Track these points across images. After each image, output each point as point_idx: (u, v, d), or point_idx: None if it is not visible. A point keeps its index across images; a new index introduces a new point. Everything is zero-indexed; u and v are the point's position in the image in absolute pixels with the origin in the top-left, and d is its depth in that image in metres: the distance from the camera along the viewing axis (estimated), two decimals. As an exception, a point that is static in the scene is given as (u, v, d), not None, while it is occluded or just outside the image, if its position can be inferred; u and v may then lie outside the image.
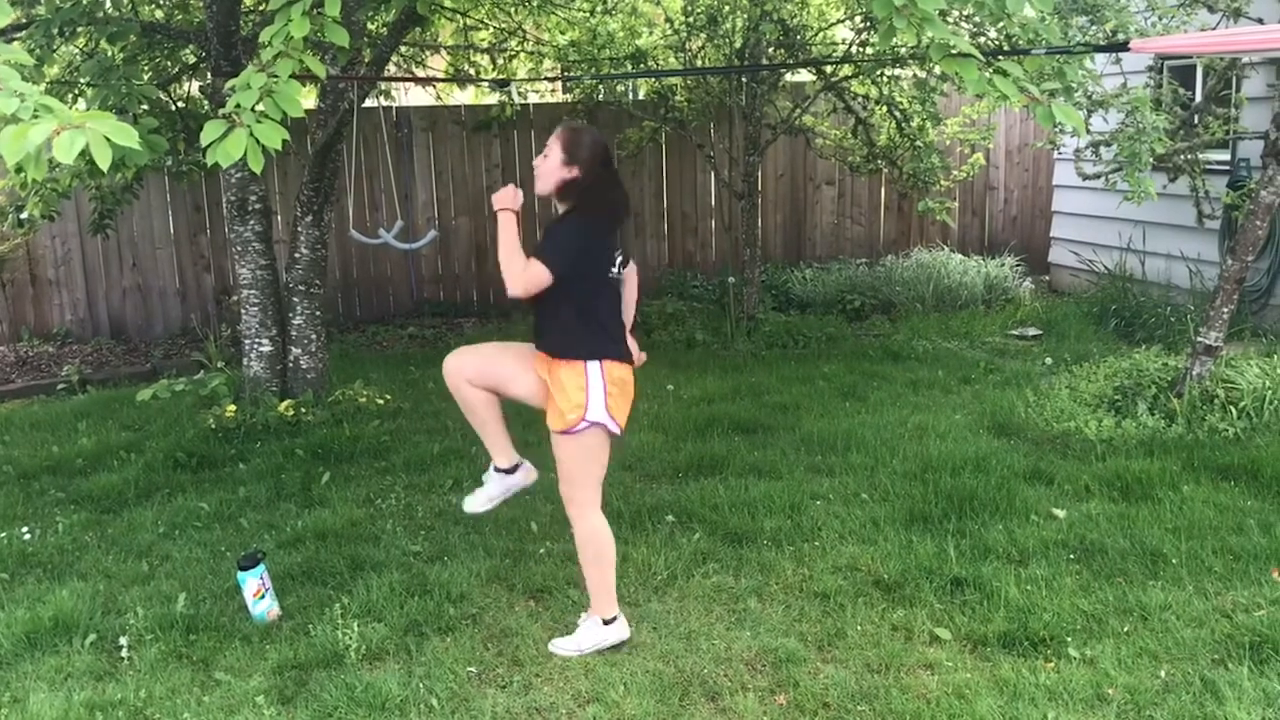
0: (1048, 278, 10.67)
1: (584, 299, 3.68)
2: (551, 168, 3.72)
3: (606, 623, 3.84)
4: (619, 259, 3.79)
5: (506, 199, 3.75)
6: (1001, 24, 4.55)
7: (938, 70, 7.29)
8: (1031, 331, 8.57)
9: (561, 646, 3.85)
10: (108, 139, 2.77)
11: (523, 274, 3.61)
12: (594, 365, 3.66)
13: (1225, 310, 5.93)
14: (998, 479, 5.15)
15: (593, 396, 3.65)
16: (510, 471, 4.00)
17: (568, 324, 3.68)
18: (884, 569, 4.33)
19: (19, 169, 3.02)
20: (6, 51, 2.99)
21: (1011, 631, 3.79)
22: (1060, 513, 4.81)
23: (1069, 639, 3.74)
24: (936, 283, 9.59)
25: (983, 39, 6.58)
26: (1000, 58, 4.02)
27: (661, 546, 4.59)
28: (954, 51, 3.61)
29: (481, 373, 3.85)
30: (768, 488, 5.21)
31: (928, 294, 9.49)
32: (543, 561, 4.52)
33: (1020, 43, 4.65)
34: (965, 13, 6.31)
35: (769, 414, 6.51)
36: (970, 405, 6.53)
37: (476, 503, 4.06)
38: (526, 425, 4.37)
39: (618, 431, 3.74)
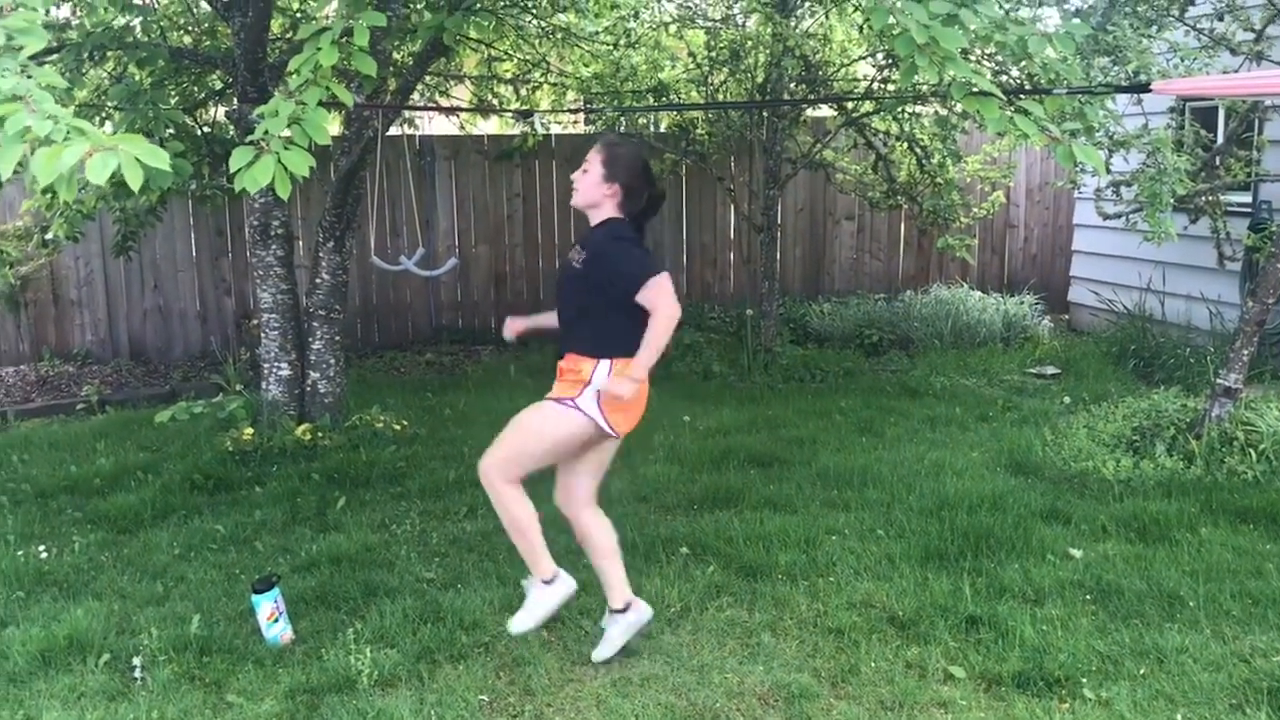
0: (1067, 316, 10.65)
1: (634, 304, 3.73)
2: (591, 183, 3.85)
3: (547, 583, 3.91)
4: None
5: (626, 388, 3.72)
6: (1023, 64, 4.58)
7: (959, 108, 7.32)
8: (1050, 370, 8.54)
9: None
10: (139, 161, 2.81)
11: (662, 297, 3.63)
12: (604, 363, 3.75)
13: (1245, 352, 5.91)
14: (1014, 518, 5.12)
15: (591, 388, 3.73)
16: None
17: (616, 326, 3.73)
18: (899, 606, 4.31)
19: (48, 190, 3.06)
20: (40, 74, 3.03)
21: (1026, 671, 3.76)
22: (1077, 553, 4.78)
23: (1084, 680, 3.71)
24: (955, 319, 9.57)
25: (1004, 78, 6.61)
26: (1021, 97, 4.04)
27: (675, 579, 4.58)
28: (975, 90, 3.63)
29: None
30: (783, 521, 5.20)
31: (946, 330, 9.47)
32: (556, 591, 4.51)
33: (1041, 82, 4.67)
34: (987, 52, 6.36)
35: (785, 447, 6.50)
36: (988, 443, 6.50)
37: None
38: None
39: (608, 430, 3.78)
